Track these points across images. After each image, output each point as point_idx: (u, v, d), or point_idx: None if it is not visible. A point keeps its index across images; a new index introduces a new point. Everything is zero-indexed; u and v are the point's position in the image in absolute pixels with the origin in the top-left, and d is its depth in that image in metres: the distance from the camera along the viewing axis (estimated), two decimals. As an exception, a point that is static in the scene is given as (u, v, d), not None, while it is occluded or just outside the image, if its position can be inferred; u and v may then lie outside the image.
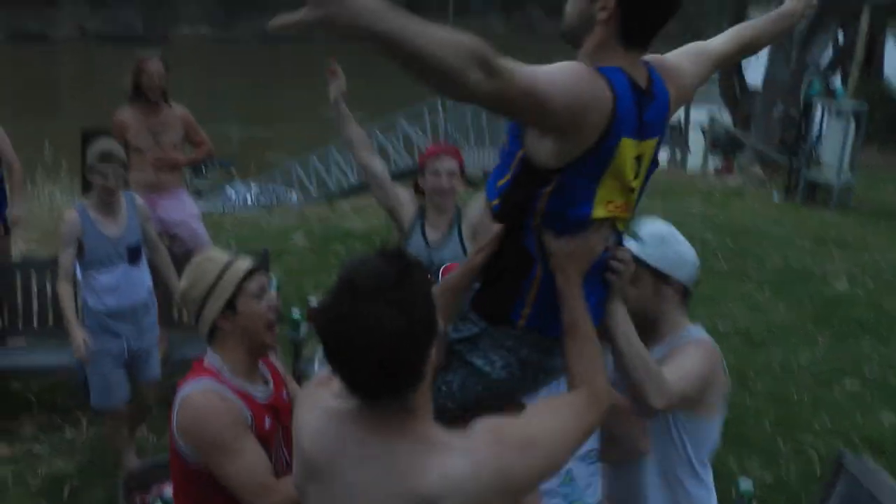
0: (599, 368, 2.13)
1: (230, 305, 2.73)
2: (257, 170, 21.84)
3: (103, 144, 4.88)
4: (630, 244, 2.70)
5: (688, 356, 2.70)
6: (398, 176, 19.14)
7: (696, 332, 2.83)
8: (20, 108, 36.11)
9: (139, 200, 5.11)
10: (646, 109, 2.14)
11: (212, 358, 2.75)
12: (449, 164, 4.16)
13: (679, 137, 21.99)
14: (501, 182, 2.25)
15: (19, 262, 6.67)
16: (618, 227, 2.29)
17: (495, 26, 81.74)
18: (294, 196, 18.05)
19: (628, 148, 2.09)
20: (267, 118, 35.18)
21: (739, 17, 21.03)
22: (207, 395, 2.64)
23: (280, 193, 18.45)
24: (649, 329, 2.70)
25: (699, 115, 22.47)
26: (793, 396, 6.46)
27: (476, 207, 4.07)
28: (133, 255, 4.91)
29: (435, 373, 2.04)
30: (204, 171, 20.54)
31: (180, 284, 2.84)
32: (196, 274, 2.78)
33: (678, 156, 21.40)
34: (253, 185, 20.45)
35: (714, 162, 19.27)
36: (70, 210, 4.98)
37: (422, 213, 4.28)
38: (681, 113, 22.66)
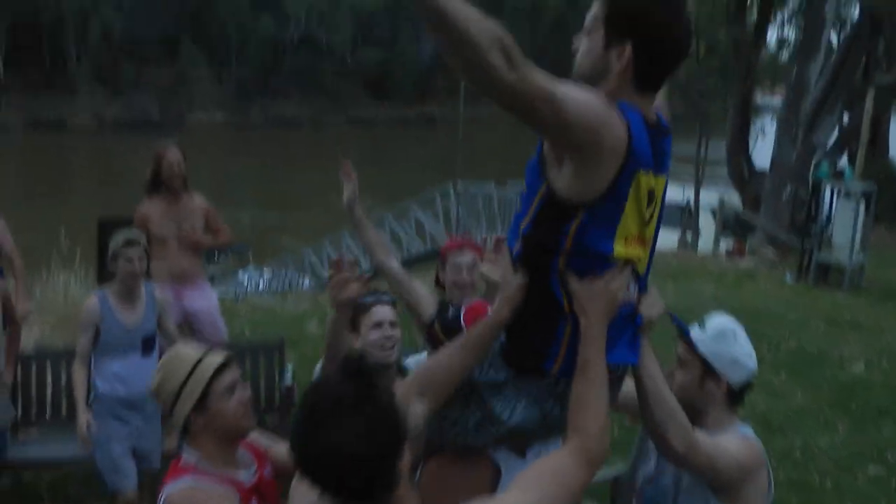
0: (599, 415, 2.13)
1: (200, 404, 2.70)
2: (270, 255, 21.96)
3: (125, 232, 5.00)
4: (693, 331, 2.82)
5: (727, 439, 2.71)
6: (411, 262, 19.19)
7: (744, 430, 2.82)
8: (36, 195, 36.57)
9: (158, 292, 5.18)
10: (658, 143, 2.23)
11: (188, 454, 2.72)
12: (470, 258, 4.15)
13: (689, 219, 22.04)
14: (523, 224, 2.30)
15: (34, 352, 6.67)
16: (638, 272, 2.33)
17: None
18: (307, 282, 18.09)
19: (644, 180, 2.18)
20: (280, 203, 35.49)
21: (746, 100, 21.26)
22: (186, 494, 2.61)
23: (293, 279, 18.50)
24: (693, 419, 2.65)
25: (708, 197, 22.56)
26: (815, 483, 6.36)
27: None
28: (146, 346, 4.98)
29: (442, 415, 2.23)
30: (216, 257, 20.66)
31: (152, 381, 2.81)
32: (166, 372, 2.76)
33: (689, 238, 21.42)
34: (265, 270, 20.51)
35: (725, 244, 19.29)
36: (91, 296, 5.08)
37: (443, 307, 4.25)
38: (691, 195, 22.79)
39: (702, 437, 2.55)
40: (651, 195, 2.24)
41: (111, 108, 66.13)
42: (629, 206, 2.18)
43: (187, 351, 2.82)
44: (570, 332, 2.27)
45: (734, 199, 21.97)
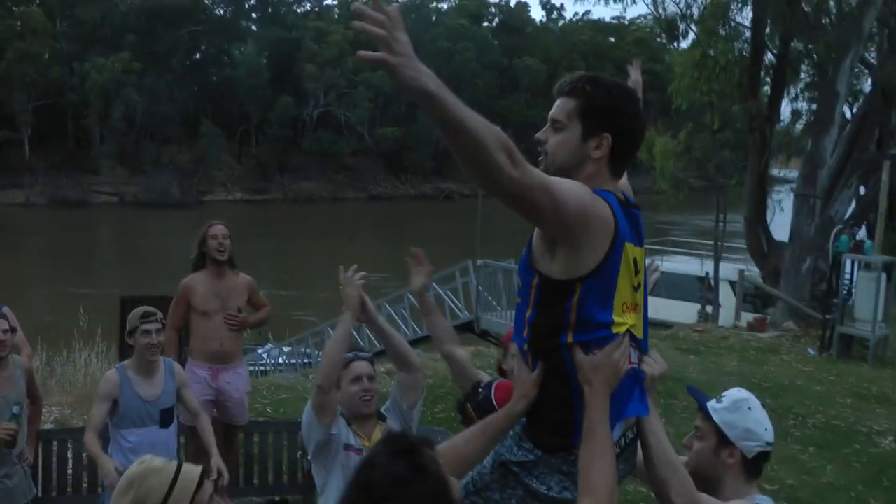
0: (608, 476, 2.23)
1: None
2: (289, 331, 21.93)
3: (143, 307, 5.08)
4: (710, 402, 2.92)
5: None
6: (426, 339, 19.13)
7: (759, 499, 2.83)
8: (58, 273, 36.81)
9: (177, 367, 5.21)
10: (635, 216, 2.51)
11: None
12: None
13: (709, 293, 21.94)
14: (528, 313, 2.48)
15: (55, 429, 6.69)
16: (636, 336, 2.49)
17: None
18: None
19: (630, 251, 2.41)
20: (298, 279, 35.62)
21: (762, 173, 21.31)
22: None
23: (312, 355, 18.46)
24: (711, 489, 2.73)
25: (727, 270, 22.49)
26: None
27: None
28: (165, 418, 4.99)
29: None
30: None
31: (115, 500, 2.51)
32: (140, 492, 2.46)
33: (709, 311, 21.30)
34: (284, 346, 20.47)
35: (746, 317, 19.16)
36: (111, 369, 5.19)
37: (475, 387, 4.21)
38: (709, 267, 22.72)
39: (708, 498, 2.62)
40: (636, 264, 2.45)
41: (132, 187, 66.88)
42: (621, 276, 2.38)
43: (159, 465, 2.55)
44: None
45: (753, 271, 21.90)
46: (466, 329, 19.31)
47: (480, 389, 3.48)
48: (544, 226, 2.35)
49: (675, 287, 22.85)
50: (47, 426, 6.87)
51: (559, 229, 2.32)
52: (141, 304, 5.61)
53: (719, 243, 22.53)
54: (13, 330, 5.14)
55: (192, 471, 2.52)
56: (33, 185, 64.68)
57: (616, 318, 2.38)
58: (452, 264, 20.61)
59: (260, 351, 20.28)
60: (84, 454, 6.10)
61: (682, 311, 20.57)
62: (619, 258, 2.37)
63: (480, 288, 19.53)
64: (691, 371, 11.53)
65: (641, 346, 2.53)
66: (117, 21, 71.04)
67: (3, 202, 61.48)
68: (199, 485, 2.49)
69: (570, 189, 2.29)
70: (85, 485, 6.22)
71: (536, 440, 2.49)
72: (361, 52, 2.14)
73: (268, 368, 17.19)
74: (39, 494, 6.06)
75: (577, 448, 2.37)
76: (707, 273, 22.79)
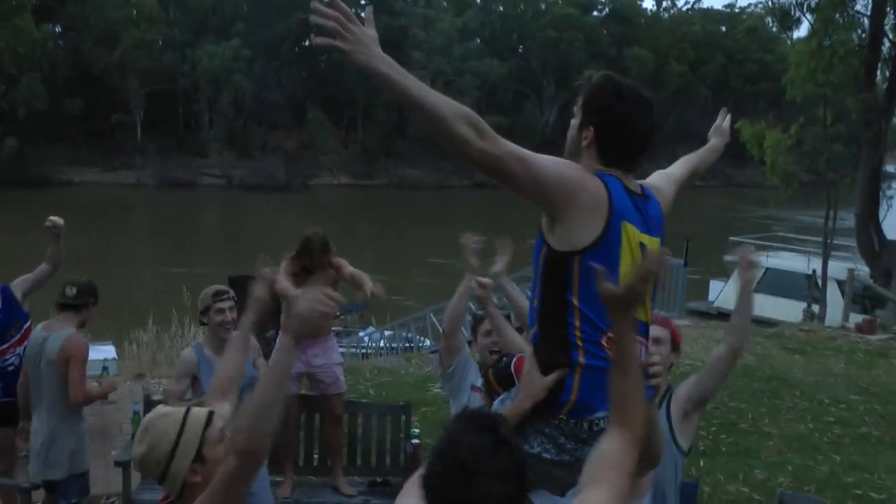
0: (638, 406, 2.31)
1: (198, 458, 2.67)
2: (391, 316, 22.13)
3: (215, 286, 5.35)
4: None
5: None
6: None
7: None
8: (166, 253, 37.85)
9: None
10: (644, 205, 2.73)
11: None
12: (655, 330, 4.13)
13: (816, 291, 21.41)
14: (536, 301, 2.76)
15: (162, 401, 6.88)
16: (641, 319, 2.69)
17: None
18: (428, 342, 18.14)
19: (632, 231, 2.62)
20: (401, 265, 35.88)
21: (876, 168, 20.66)
22: None
23: (413, 339, 18.59)
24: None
25: (836, 269, 21.93)
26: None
27: None
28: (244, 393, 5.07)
29: None
30: (339, 315, 20.89)
31: (134, 449, 2.74)
32: (154, 436, 2.68)
33: (815, 310, 20.79)
34: (385, 331, 20.66)
35: (854, 318, 18.62)
36: (187, 349, 5.46)
37: (500, 358, 4.28)
38: (816, 265, 22.16)
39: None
40: (643, 248, 2.63)
41: (239, 170, 68.27)
42: (624, 253, 2.59)
43: (168, 410, 2.78)
44: (579, 381, 2.64)
45: (863, 270, 21.28)
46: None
47: (504, 359, 3.63)
48: (526, 194, 2.61)
49: (780, 284, 22.40)
50: (156, 397, 7.08)
51: (542, 199, 2.61)
52: (249, 283, 5.75)
53: (828, 240, 21.94)
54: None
55: (199, 411, 2.75)
56: (144, 167, 66.54)
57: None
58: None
59: (361, 334, 20.52)
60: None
61: (787, 309, 20.15)
62: (619, 237, 2.60)
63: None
64: (796, 371, 11.26)
65: (642, 330, 2.73)
66: (228, 9, 72.49)
67: (115, 182, 63.52)
68: (208, 422, 2.72)
69: (549, 161, 2.59)
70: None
71: None
72: (316, 39, 2.48)
73: (370, 351, 17.37)
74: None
75: (562, 411, 2.66)
76: (814, 271, 22.26)
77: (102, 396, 5.97)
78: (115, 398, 7.68)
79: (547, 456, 2.70)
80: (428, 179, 72.10)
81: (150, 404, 6.38)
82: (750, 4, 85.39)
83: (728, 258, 25.17)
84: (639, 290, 2.28)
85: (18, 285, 6.17)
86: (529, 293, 2.91)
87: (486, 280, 4.42)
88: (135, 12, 65.21)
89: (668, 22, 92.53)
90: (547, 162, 2.58)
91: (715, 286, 25.34)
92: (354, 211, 57.01)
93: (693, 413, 3.98)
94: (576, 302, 2.61)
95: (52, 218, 5.99)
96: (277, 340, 5.23)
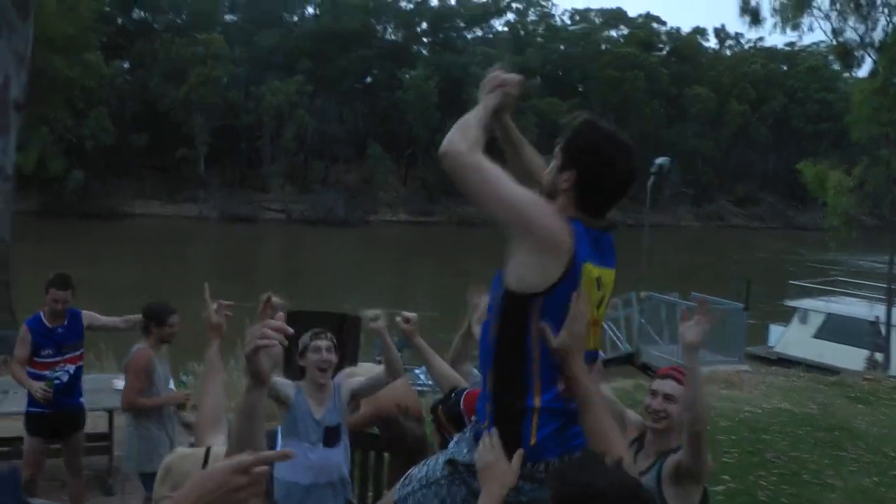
0: (615, 431, 2.43)
1: None
2: (446, 353, 22.17)
3: (313, 329, 5.09)
4: None
5: None
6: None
7: None
8: (224, 283, 38.22)
9: (345, 384, 5.26)
10: (601, 237, 2.72)
11: None
12: (668, 386, 4.02)
13: (879, 338, 20.97)
14: (491, 337, 2.72)
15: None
16: (588, 347, 2.70)
17: (685, 217, 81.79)
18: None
19: (590, 270, 2.64)
20: (456, 302, 35.82)
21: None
22: None
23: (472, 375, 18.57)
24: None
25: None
26: None
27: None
28: (330, 437, 5.00)
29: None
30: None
31: (157, 490, 2.69)
32: (177, 477, 2.64)
33: (879, 358, 20.33)
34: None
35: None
36: (286, 380, 5.19)
37: (450, 393, 4.20)
38: (882, 312, 21.69)
39: None
40: (599, 282, 2.69)
41: (299, 205, 69.08)
42: (582, 292, 2.61)
43: (188, 451, 2.78)
44: (537, 425, 2.65)
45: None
46: (624, 361, 19.03)
47: (453, 395, 3.61)
48: (482, 209, 2.71)
49: (842, 330, 21.96)
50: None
51: (499, 220, 2.68)
52: (305, 317, 5.79)
53: (892, 286, 21.49)
54: None
55: (220, 451, 2.67)
56: (206, 200, 67.70)
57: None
58: (615, 295, 20.34)
59: (417, 371, 20.53)
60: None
61: (849, 357, 19.73)
62: (579, 276, 2.60)
63: (642, 320, 19.23)
64: (860, 422, 10.99)
65: (590, 356, 2.74)
66: (292, 46, 73.72)
67: (179, 215, 64.63)
68: None
69: (514, 189, 2.65)
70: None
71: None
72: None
73: (425, 389, 17.37)
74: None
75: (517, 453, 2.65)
76: (877, 317, 21.78)
77: (154, 406, 6.31)
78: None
79: (508, 500, 2.67)
80: (487, 217, 72.21)
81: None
82: (812, 44, 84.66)
83: (789, 303, 24.80)
84: (580, 333, 2.46)
85: (87, 317, 6.80)
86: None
87: (410, 315, 4.36)
88: (202, 49, 66.58)
89: (730, 60, 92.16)
90: (510, 187, 2.66)
91: (775, 330, 24.90)
92: (412, 247, 57.20)
93: (687, 483, 3.72)
94: (533, 344, 2.62)
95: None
96: None
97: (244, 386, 2.40)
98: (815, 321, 23.19)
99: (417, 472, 3.12)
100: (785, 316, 24.69)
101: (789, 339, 23.37)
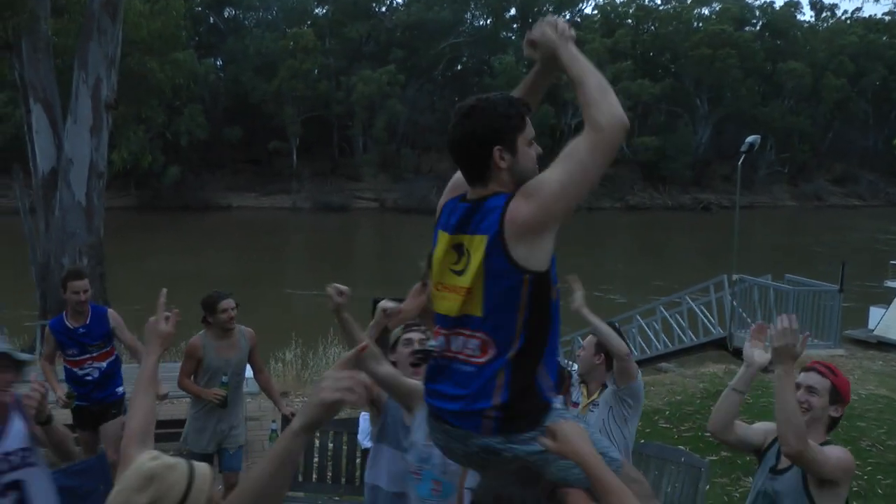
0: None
1: None
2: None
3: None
4: None
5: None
6: (681, 352, 18.70)
7: None
8: (317, 273, 38.78)
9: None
10: (466, 210, 2.80)
11: None
12: (812, 378, 3.96)
13: None
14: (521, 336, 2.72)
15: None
16: (443, 312, 2.91)
17: (781, 196, 79.94)
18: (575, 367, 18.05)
19: (441, 237, 2.86)
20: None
21: None
22: None
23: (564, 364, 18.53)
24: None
25: None
26: None
27: None
28: None
29: None
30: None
31: (133, 498, 2.41)
32: (161, 488, 2.41)
33: None
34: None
35: None
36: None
37: None
38: None
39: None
40: (457, 250, 2.79)
41: (392, 194, 69.58)
42: (435, 257, 2.89)
43: (172, 461, 2.51)
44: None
45: None
46: (718, 346, 18.72)
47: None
48: (579, 189, 2.85)
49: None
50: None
51: (576, 201, 2.87)
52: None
53: None
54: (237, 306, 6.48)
55: (203, 467, 2.50)
56: (299, 191, 68.68)
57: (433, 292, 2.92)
58: (707, 278, 20.01)
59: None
60: (331, 446, 6.66)
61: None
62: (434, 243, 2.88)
63: (735, 304, 18.88)
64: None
65: (443, 322, 2.86)
66: (382, 36, 74.23)
67: (272, 206, 65.78)
68: (213, 478, 2.49)
69: None
70: (329, 474, 6.64)
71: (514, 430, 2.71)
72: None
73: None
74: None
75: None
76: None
77: (196, 395, 6.53)
78: (259, 415, 7.96)
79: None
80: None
81: (286, 422, 6.60)
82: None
83: (888, 284, 24.04)
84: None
85: (114, 319, 6.92)
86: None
87: (343, 287, 3.84)
88: (292, 44, 67.47)
89: (826, 33, 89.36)
90: None
91: (875, 313, 24.12)
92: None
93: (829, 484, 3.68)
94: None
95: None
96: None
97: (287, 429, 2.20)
98: (917, 302, 22.46)
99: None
100: (885, 297, 23.95)
101: (890, 321, 22.66)
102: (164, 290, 3.37)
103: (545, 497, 2.08)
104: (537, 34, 2.87)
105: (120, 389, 7.04)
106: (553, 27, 2.86)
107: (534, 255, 2.67)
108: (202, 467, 2.49)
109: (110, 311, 7.02)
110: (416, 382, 3.79)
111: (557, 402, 2.87)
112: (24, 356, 3.65)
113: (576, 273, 5.06)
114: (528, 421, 2.70)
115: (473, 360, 2.75)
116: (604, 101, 2.65)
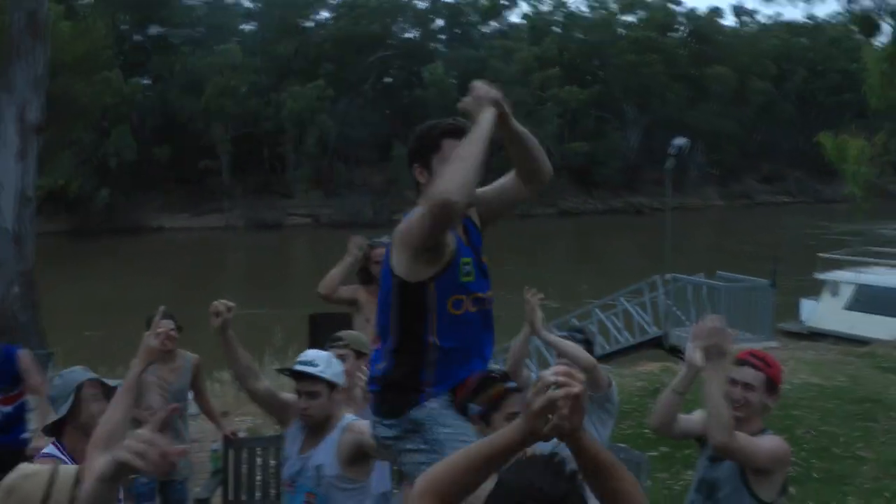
0: (632, 483, 2.18)
1: None
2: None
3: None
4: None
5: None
6: (619, 353, 18.82)
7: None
8: (252, 291, 38.48)
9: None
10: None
11: None
12: (747, 374, 4.01)
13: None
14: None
15: (246, 438, 7.11)
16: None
17: (712, 197, 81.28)
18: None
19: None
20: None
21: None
22: None
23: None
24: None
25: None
26: None
27: None
28: None
29: None
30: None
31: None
32: (18, 499, 2.47)
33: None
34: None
35: None
36: None
37: None
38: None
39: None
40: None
41: (326, 209, 69.23)
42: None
43: (34, 469, 2.60)
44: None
45: None
46: (654, 345, 18.97)
47: None
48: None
49: (873, 301, 21.73)
50: (241, 434, 7.25)
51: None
52: (329, 320, 5.85)
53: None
54: (179, 329, 5.87)
55: (68, 469, 2.58)
56: (232, 210, 67.91)
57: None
58: (642, 280, 20.27)
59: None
60: (273, 462, 6.51)
61: (881, 327, 19.47)
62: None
63: (669, 303, 19.15)
64: (893, 392, 10.90)
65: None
66: (311, 52, 73.91)
67: (205, 226, 64.95)
68: (77, 480, 2.52)
69: None
70: (273, 491, 6.49)
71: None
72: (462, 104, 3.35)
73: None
74: (230, 497, 6.45)
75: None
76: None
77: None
78: (199, 437, 7.87)
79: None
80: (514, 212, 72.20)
81: (228, 442, 6.58)
82: (836, 13, 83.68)
83: (818, 276, 24.55)
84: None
85: (28, 363, 6.58)
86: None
87: (230, 303, 4.18)
88: (219, 60, 66.90)
89: (749, 37, 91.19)
90: None
91: (806, 305, 24.62)
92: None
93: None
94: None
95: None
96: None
97: None
98: (846, 293, 22.91)
99: None
100: (815, 290, 24.46)
101: (820, 312, 23.11)
102: (162, 308, 3.78)
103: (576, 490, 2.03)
104: (463, 103, 3.35)
105: (25, 435, 6.63)
106: (475, 93, 3.32)
107: (401, 265, 3.11)
108: (66, 470, 2.55)
109: (21, 352, 6.68)
110: (291, 396, 4.29)
111: (474, 409, 3.15)
112: None
113: (512, 281, 5.14)
114: (392, 410, 3.10)
115: (374, 346, 3.33)
116: (444, 175, 2.98)
